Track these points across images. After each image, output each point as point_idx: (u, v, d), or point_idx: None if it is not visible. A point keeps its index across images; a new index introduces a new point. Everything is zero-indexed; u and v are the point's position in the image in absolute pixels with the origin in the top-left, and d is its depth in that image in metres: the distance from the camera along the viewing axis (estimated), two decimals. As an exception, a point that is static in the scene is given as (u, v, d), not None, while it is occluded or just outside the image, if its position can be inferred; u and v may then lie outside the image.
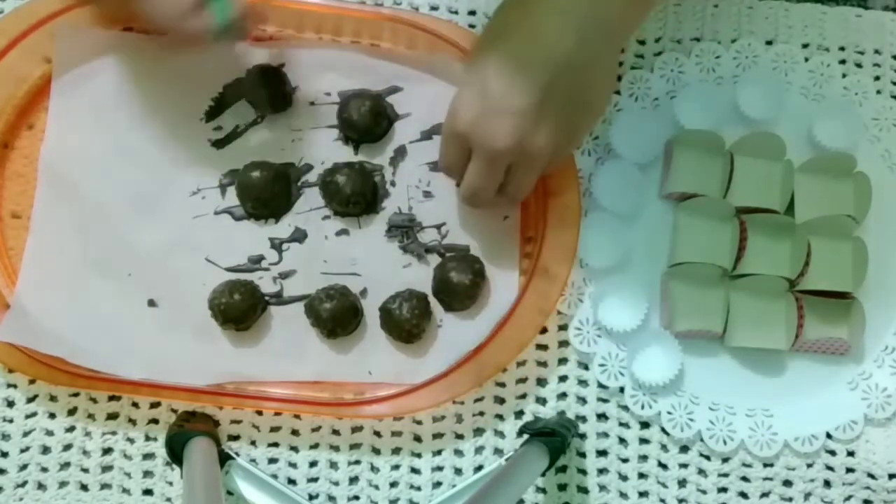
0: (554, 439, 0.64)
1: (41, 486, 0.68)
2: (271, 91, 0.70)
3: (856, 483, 0.69)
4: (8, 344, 0.67)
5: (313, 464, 0.69)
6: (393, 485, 0.69)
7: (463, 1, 0.75)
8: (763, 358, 0.70)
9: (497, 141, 0.60)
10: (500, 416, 0.69)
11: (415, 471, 0.69)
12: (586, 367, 0.70)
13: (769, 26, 0.75)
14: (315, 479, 0.69)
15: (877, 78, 0.75)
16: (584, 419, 0.69)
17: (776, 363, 0.70)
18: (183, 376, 0.68)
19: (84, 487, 0.68)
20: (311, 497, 0.68)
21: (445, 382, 0.67)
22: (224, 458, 0.67)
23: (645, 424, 0.69)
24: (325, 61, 0.72)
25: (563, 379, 0.70)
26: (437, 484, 0.69)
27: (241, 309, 0.67)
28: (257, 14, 0.67)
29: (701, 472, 0.69)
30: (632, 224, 0.71)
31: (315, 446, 0.69)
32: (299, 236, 0.71)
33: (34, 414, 0.69)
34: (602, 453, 0.69)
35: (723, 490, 0.69)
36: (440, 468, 0.69)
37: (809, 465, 0.69)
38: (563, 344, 0.70)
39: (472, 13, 0.75)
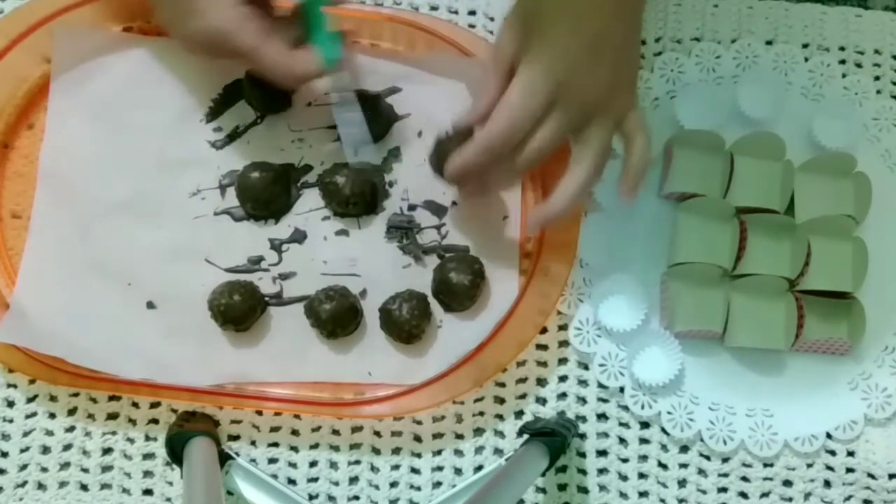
0: (554, 439, 0.64)
1: (41, 486, 0.68)
2: (271, 92, 0.70)
3: (856, 483, 0.69)
4: (8, 344, 0.66)
5: (313, 464, 0.69)
6: (393, 485, 0.69)
7: (463, 1, 0.75)
8: (763, 358, 0.70)
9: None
10: (500, 416, 0.69)
11: (415, 471, 0.69)
12: (586, 367, 0.70)
13: (769, 26, 0.75)
14: (315, 479, 0.69)
15: (877, 78, 0.75)
16: (584, 419, 0.69)
17: (776, 363, 0.70)
18: (183, 377, 0.68)
19: (84, 487, 0.68)
20: (311, 497, 0.68)
21: (445, 382, 0.67)
22: (224, 458, 0.67)
23: (645, 424, 0.69)
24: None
25: (563, 379, 0.70)
26: (437, 484, 0.69)
27: (240, 310, 0.67)
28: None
29: (701, 472, 0.69)
30: (632, 224, 0.71)
31: (315, 446, 0.69)
32: (299, 237, 0.71)
33: (34, 414, 0.69)
34: (602, 453, 0.69)
35: (723, 490, 0.69)
36: (440, 468, 0.69)
37: (809, 465, 0.69)
38: (563, 344, 0.70)
39: (472, 13, 0.75)
